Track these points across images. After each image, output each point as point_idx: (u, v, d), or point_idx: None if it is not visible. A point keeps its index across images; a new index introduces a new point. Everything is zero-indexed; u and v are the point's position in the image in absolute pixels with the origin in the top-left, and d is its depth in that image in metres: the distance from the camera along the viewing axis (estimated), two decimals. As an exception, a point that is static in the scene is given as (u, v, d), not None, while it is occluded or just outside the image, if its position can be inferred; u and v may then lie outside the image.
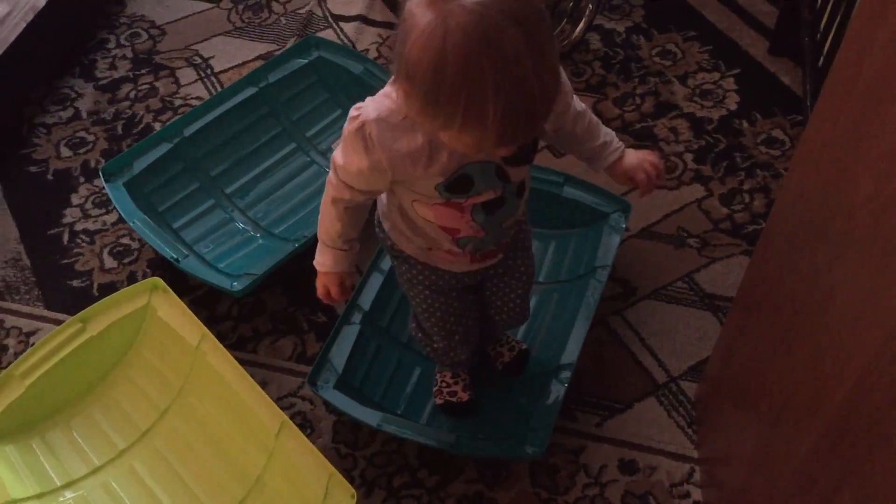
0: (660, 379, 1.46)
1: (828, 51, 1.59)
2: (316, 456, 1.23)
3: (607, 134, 1.18)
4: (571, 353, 1.36)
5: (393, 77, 0.91)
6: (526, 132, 0.89)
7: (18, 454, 1.33)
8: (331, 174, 1.05)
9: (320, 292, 1.15)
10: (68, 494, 1.31)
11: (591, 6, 1.95)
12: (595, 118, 1.17)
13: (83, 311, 1.39)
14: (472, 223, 1.06)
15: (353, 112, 0.98)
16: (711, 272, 1.59)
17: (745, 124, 1.82)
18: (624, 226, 1.51)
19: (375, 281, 1.47)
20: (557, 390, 1.33)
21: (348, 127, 0.98)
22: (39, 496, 1.29)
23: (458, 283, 1.20)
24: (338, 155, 1.02)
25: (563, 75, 1.04)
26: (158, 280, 1.41)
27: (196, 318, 1.37)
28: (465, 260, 1.14)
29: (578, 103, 1.14)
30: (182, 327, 1.38)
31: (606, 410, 1.43)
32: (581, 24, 1.95)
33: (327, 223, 1.10)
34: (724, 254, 1.62)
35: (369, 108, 0.97)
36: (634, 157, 1.18)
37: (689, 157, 1.77)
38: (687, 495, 1.33)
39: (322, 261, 1.13)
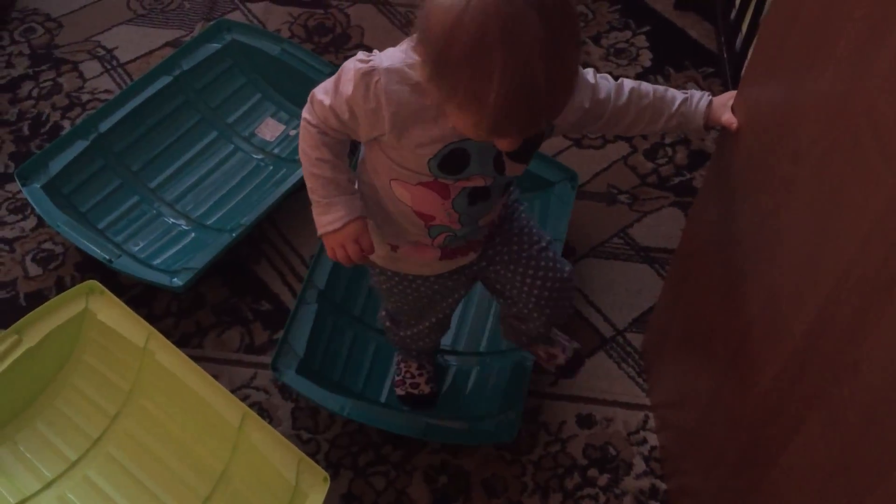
0: (606, 333, 1.51)
1: (740, 4, 1.65)
2: (283, 443, 1.22)
3: (676, 96, 1.07)
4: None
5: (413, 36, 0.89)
6: (524, 127, 0.87)
7: None
8: (307, 116, 1.00)
9: (339, 255, 1.03)
10: None
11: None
12: (652, 90, 1.07)
13: (18, 322, 1.32)
14: (451, 211, 1.01)
15: (362, 55, 0.94)
16: (644, 226, 1.64)
17: (661, 80, 1.87)
18: (572, 194, 1.53)
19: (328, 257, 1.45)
20: (524, 368, 1.35)
21: (353, 66, 0.93)
22: None
23: (435, 289, 1.16)
24: (320, 91, 0.98)
25: (586, 75, 1.02)
26: (95, 283, 1.36)
27: (140, 317, 1.33)
28: (434, 255, 1.09)
29: (616, 92, 1.05)
30: (126, 329, 1.33)
31: (559, 369, 1.46)
32: (493, -9, 1.96)
33: (324, 169, 1.00)
34: (653, 207, 1.67)
35: (383, 56, 0.93)
36: (721, 100, 1.06)
37: (610, 115, 1.81)
38: (644, 441, 1.38)
39: (331, 218, 1.01)
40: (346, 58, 1.87)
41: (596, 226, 1.64)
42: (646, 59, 1.91)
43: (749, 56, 1.29)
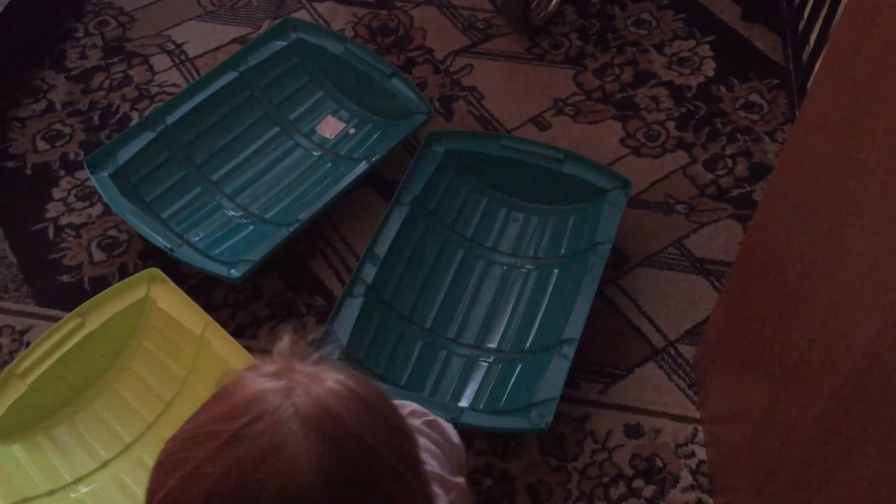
0: (658, 344, 1.49)
1: (809, 15, 1.62)
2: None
3: None
4: (574, 328, 1.37)
5: None
6: None
7: (25, 452, 1.31)
8: None
9: None
10: (82, 489, 1.30)
11: (566, -22, 1.96)
12: None
13: (81, 306, 1.37)
14: None
15: None
16: (700, 237, 1.62)
17: (724, 90, 1.85)
18: (624, 202, 1.53)
19: (379, 253, 1.47)
20: (562, 365, 1.35)
21: None
22: (51, 493, 1.28)
23: None
24: None
25: None
26: (157, 271, 1.40)
27: (198, 306, 1.36)
28: None
29: None
30: (184, 317, 1.37)
31: (608, 377, 1.46)
32: (557, -3, 1.96)
33: None
34: (711, 218, 1.65)
35: None
36: None
37: (671, 124, 1.79)
38: (692, 455, 1.37)
39: None
40: (409, 59, 1.92)
41: (651, 235, 1.63)
42: (709, 68, 1.89)
43: (816, 68, 1.26)
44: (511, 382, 1.40)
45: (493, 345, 1.46)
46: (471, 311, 1.51)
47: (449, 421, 1.28)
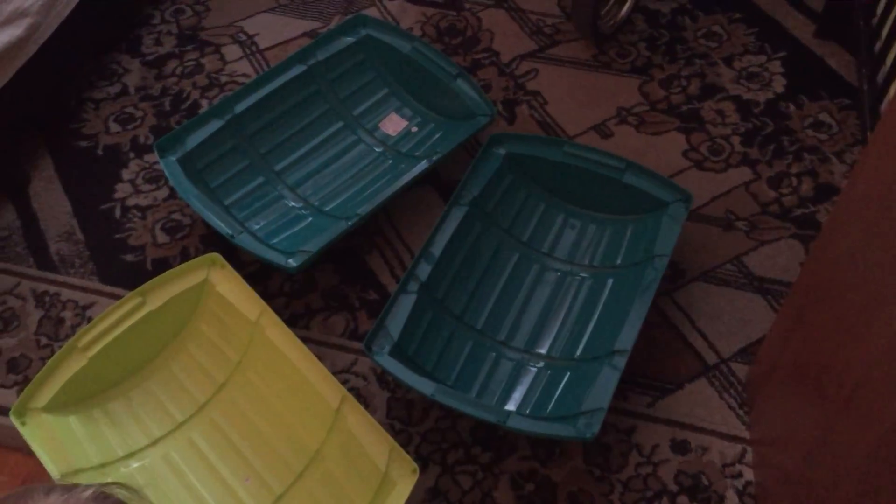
0: (710, 360, 1.48)
1: (886, 35, 1.59)
2: (377, 429, 1.25)
3: None
4: (625, 339, 1.36)
5: None
6: None
7: (81, 425, 1.35)
8: None
9: None
10: (132, 464, 1.34)
11: (637, -13, 1.95)
12: None
13: (143, 286, 1.40)
14: None
15: None
16: (760, 255, 1.60)
17: (792, 108, 1.82)
18: (684, 216, 1.51)
19: (434, 251, 1.48)
20: (611, 375, 1.34)
21: None
22: (102, 465, 1.32)
23: None
24: None
25: None
26: (217, 256, 1.43)
27: (255, 293, 1.39)
28: None
29: None
30: (241, 302, 1.39)
31: (658, 391, 1.44)
32: (627, 5, 1.95)
33: None
34: (772, 237, 1.62)
35: None
36: None
37: (736, 139, 1.77)
38: (739, 475, 1.35)
39: None
40: (475, 61, 1.93)
41: (709, 250, 1.61)
42: (779, 85, 1.86)
43: (892, 91, 1.24)
44: (559, 389, 1.40)
45: (542, 350, 1.46)
46: (522, 315, 1.51)
47: (496, 423, 1.29)
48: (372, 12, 2.02)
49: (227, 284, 1.41)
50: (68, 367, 1.35)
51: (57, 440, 1.30)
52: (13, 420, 1.28)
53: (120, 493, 0.66)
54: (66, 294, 1.57)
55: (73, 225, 1.67)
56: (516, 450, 1.38)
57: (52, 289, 1.58)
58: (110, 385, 1.41)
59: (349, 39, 1.81)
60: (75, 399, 1.37)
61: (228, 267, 1.42)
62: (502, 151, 1.62)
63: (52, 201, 1.70)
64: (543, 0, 2.05)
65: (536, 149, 1.62)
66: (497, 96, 1.86)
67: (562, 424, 1.31)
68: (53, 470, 1.24)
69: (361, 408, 1.27)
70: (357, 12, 1.93)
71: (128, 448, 1.36)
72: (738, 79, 1.87)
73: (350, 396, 1.28)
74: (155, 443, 1.38)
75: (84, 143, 1.79)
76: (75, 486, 0.64)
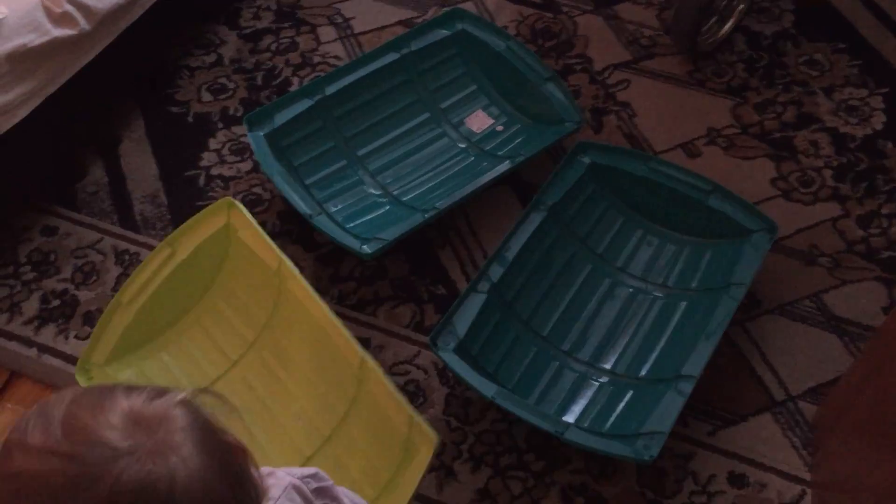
0: (778, 396, 1.44)
1: None
2: (396, 398, 1.25)
3: None
4: (694, 365, 1.34)
5: None
6: None
7: (141, 374, 1.39)
8: None
9: None
10: None
11: (741, 6, 1.91)
12: None
13: (169, 236, 1.44)
14: None
15: None
16: (841, 294, 1.55)
17: (890, 146, 1.76)
18: (768, 246, 1.47)
19: (509, 254, 1.47)
20: (676, 400, 1.32)
21: None
22: None
23: None
24: None
25: None
26: (232, 200, 1.45)
27: (272, 242, 1.40)
28: None
29: None
30: (261, 251, 1.42)
31: (720, 420, 1.42)
32: (729, 23, 1.91)
33: None
34: (856, 277, 1.57)
35: None
36: None
37: (828, 173, 1.72)
38: (796, 517, 1.32)
39: None
40: (567, 65, 1.91)
41: (788, 284, 1.57)
42: (878, 121, 1.80)
43: None
44: (620, 407, 1.38)
45: (607, 365, 1.45)
46: (589, 328, 1.50)
47: (554, 434, 1.28)
48: (469, 7, 2.01)
49: (247, 231, 1.43)
50: (119, 321, 1.40)
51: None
52: (78, 379, 1.32)
53: (209, 401, 0.67)
54: (144, 254, 1.61)
55: (159, 188, 1.70)
56: (570, 462, 1.37)
57: (133, 248, 1.62)
58: (158, 335, 1.44)
59: (444, 32, 1.81)
60: (130, 351, 1.41)
61: (245, 212, 1.43)
62: (587, 160, 1.60)
63: (140, 163, 1.74)
64: (643, 10, 2.02)
65: (622, 161, 1.60)
66: (586, 104, 1.84)
67: (620, 443, 1.29)
68: None
69: (380, 373, 1.27)
70: (454, 6, 1.94)
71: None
72: (836, 111, 1.82)
73: (368, 359, 1.28)
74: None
75: (176, 109, 1.83)
76: (166, 389, 0.64)
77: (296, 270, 1.38)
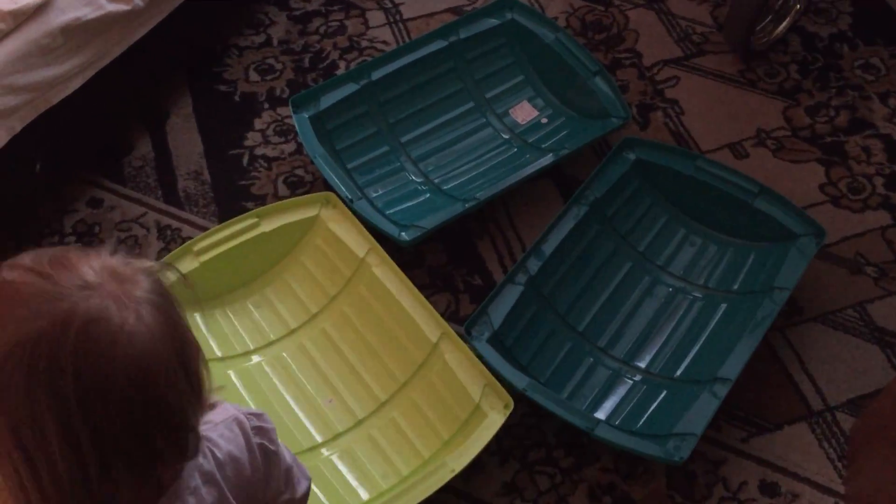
0: (815, 406, 1.41)
1: None
2: (476, 365, 1.30)
3: None
4: (731, 369, 1.33)
5: None
6: None
7: (202, 320, 1.43)
8: None
9: None
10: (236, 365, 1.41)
11: (798, 5, 1.87)
12: None
13: (260, 209, 1.49)
14: None
15: None
16: (886, 305, 1.52)
17: (946, 156, 1.71)
18: (814, 251, 1.45)
19: (547, 247, 1.46)
20: (710, 402, 1.30)
21: None
22: (222, 359, 1.40)
23: None
24: None
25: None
26: (332, 195, 1.49)
27: (367, 233, 1.44)
28: None
29: None
30: (350, 239, 1.45)
31: (754, 427, 1.40)
32: (784, 23, 1.87)
33: None
34: (902, 288, 1.54)
35: None
36: None
37: (879, 181, 1.68)
38: (827, 529, 1.30)
39: None
40: (615, 59, 1.89)
41: (832, 291, 1.54)
42: (935, 130, 1.75)
43: None
44: (653, 407, 1.37)
45: (642, 364, 1.43)
46: (626, 325, 1.48)
47: (584, 430, 1.27)
48: (519, -4, 2.00)
49: (339, 222, 1.47)
50: (182, 266, 1.42)
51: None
52: None
53: (172, 276, 0.74)
54: (186, 231, 1.63)
55: (203, 165, 1.72)
56: (599, 460, 1.36)
57: (175, 223, 1.64)
58: (209, 296, 1.47)
59: (493, 21, 1.80)
60: (187, 299, 1.42)
61: (342, 206, 1.48)
62: (632, 156, 1.58)
63: (186, 140, 1.76)
64: (696, 7, 1.98)
65: (668, 159, 1.58)
66: (633, 99, 1.82)
67: (651, 442, 1.28)
68: None
69: (462, 344, 1.32)
70: (505, -5, 1.92)
71: (229, 351, 1.43)
72: (891, 117, 1.77)
73: (451, 332, 1.33)
74: (246, 354, 1.44)
75: (223, 88, 1.84)
76: (137, 257, 0.72)
77: (386, 257, 1.42)
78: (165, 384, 0.67)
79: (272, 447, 0.83)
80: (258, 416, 0.83)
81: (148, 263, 0.72)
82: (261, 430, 0.82)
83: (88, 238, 1.61)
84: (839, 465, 1.35)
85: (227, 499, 0.77)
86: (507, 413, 1.25)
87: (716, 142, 1.75)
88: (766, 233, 1.50)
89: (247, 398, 1.38)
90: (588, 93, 1.71)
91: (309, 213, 1.50)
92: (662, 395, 1.38)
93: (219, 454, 0.78)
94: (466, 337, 1.36)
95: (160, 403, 0.67)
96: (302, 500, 0.89)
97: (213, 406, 0.76)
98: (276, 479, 0.84)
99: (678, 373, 1.41)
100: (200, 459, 0.75)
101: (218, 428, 0.79)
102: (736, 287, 1.49)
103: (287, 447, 0.88)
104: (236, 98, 1.83)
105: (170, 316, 0.69)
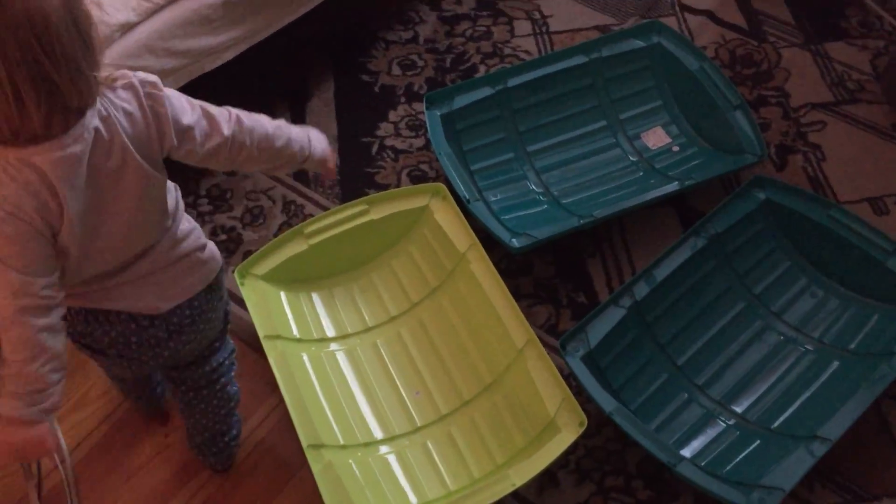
0: (925, 481, 1.32)
1: None
2: (555, 377, 1.28)
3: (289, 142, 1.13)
4: (833, 429, 1.26)
5: None
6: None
7: (289, 301, 1.47)
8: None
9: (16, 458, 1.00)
10: (323, 349, 1.44)
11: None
12: (270, 130, 1.09)
13: (371, 196, 1.52)
14: None
15: None
16: None
17: None
18: None
19: (658, 274, 1.44)
20: (804, 460, 1.24)
21: None
22: (299, 340, 1.42)
23: None
24: None
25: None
26: (441, 186, 1.50)
27: (469, 228, 1.45)
28: None
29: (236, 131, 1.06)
30: (454, 233, 1.46)
31: (850, 494, 1.32)
32: (951, 80, 1.76)
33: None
34: None
35: None
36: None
37: None
38: None
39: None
40: (760, 97, 1.83)
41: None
42: None
43: None
44: (743, 454, 1.32)
45: (738, 409, 1.38)
46: (728, 367, 1.43)
47: (666, 464, 1.23)
48: (670, 22, 1.97)
49: (445, 214, 1.49)
50: (290, 248, 1.48)
51: (267, 306, 1.42)
52: (235, 278, 1.42)
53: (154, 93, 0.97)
54: (309, 208, 1.69)
55: (334, 149, 1.78)
56: (677, 498, 1.32)
57: (300, 200, 1.71)
58: (317, 276, 1.51)
59: (638, 43, 1.78)
60: (289, 278, 1.48)
61: (450, 199, 1.49)
62: (762, 196, 1.53)
63: (323, 121, 1.83)
64: (857, 52, 1.90)
65: (800, 203, 1.52)
66: (773, 139, 1.75)
67: (734, 489, 1.23)
68: (259, 329, 1.36)
69: (545, 353, 1.31)
70: (655, 18, 1.90)
71: (321, 333, 1.46)
72: None
73: (536, 340, 1.32)
74: (343, 337, 1.47)
75: (366, 77, 1.90)
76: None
77: (484, 255, 1.43)
78: (58, 32, 0.84)
79: (161, 109, 0.98)
80: (152, 83, 0.98)
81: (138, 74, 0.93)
82: (151, 95, 0.98)
83: (220, 202, 1.70)
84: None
85: (123, 143, 0.95)
86: (580, 431, 1.23)
87: (856, 194, 1.66)
88: (894, 294, 1.42)
89: (347, 376, 1.42)
90: (725, 126, 1.67)
91: (419, 202, 1.52)
92: (755, 445, 1.33)
93: (114, 109, 0.95)
94: (561, 351, 1.35)
95: (54, 45, 0.84)
96: (233, 138, 1.05)
97: (115, 78, 0.96)
98: (169, 136, 0.99)
99: (775, 424, 1.35)
100: (100, 106, 0.93)
101: (116, 91, 0.96)
102: (853, 346, 1.41)
103: (206, 103, 1.04)
104: (376, 89, 1.88)
105: None
